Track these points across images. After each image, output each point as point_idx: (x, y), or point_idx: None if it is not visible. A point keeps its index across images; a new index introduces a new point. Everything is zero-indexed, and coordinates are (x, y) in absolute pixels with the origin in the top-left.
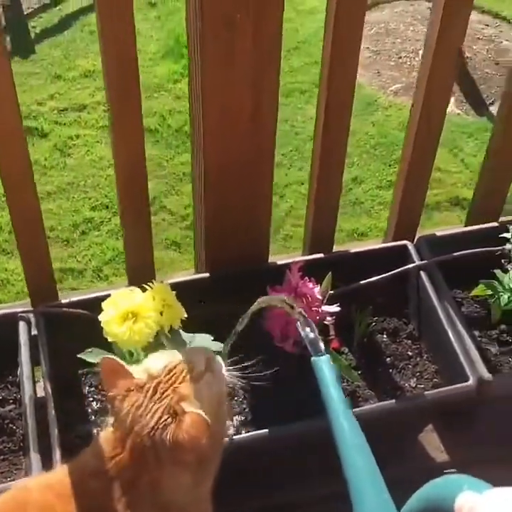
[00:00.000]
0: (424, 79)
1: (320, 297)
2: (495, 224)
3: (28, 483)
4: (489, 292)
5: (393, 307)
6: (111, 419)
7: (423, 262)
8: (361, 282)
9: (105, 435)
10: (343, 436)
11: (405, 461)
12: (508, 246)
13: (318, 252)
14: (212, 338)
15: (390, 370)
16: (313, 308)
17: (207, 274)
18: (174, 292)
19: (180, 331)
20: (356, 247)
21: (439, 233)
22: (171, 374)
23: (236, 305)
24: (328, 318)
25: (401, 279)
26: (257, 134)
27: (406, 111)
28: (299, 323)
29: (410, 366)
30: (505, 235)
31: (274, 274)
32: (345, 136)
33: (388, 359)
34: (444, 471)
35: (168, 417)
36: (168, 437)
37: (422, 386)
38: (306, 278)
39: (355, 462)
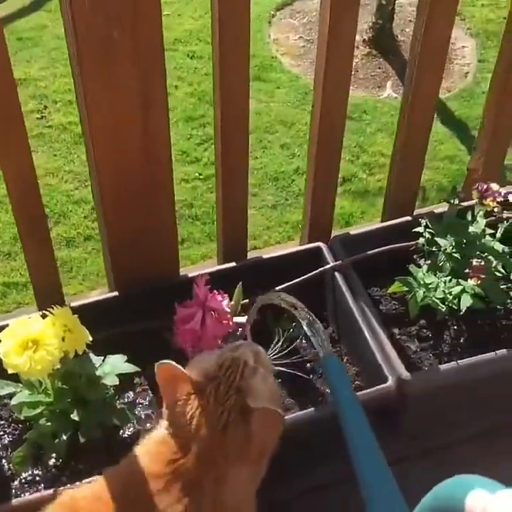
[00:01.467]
0: (320, 71)
1: (228, 310)
2: (408, 218)
3: (74, 493)
4: (405, 288)
5: (311, 311)
6: (165, 424)
7: (337, 262)
8: (276, 288)
9: (160, 439)
10: (353, 439)
11: (335, 463)
12: (421, 240)
13: (232, 260)
14: (126, 359)
15: (311, 376)
16: (223, 322)
17: (116, 293)
18: (77, 315)
19: (90, 354)
20: (270, 253)
21: (353, 232)
22: (228, 372)
23: (148, 322)
24: (242, 329)
25: (317, 282)
26: (151, 148)
27: None
28: (304, 323)
29: None
30: (418, 229)
31: (185, 288)
32: (245, 140)
33: (309, 365)
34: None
35: (236, 416)
36: (239, 436)
37: None
38: (215, 291)
39: (365, 463)
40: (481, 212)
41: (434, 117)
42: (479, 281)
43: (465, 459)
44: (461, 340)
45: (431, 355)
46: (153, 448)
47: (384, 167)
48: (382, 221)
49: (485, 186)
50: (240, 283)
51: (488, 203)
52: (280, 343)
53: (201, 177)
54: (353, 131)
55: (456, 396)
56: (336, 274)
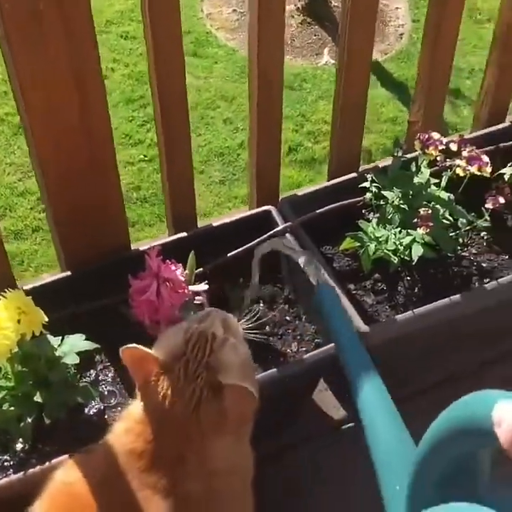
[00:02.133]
0: (254, 43)
1: (182, 278)
2: (354, 175)
3: (64, 478)
4: (357, 244)
5: (267, 274)
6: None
7: (286, 224)
8: (228, 254)
9: (140, 416)
10: (354, 370)
11: (302, 423)
12: (368, 195)
13: (182, 231)
14: (85, 337)
15: (271, 338)
16: (179, 291)
17: (68, 273)
18: (31, 297)
19: (48, 335)
20: (220, 220)
21: (300, 193)
22: (195, 348)
23: (103, 299)
24: (199, 297)
25: None
26: (90, 125)
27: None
28: (300, 260)
29: (290, 331)
30: (364, 184)
31: (138, 262)
32: (185, 112)
33: (267, 327)
34: None
35: (207, 393)
36: (213, 413)
37: (304, 349)
38: (168, 261)
39: (366, 391)
40: (425, 163)
41: (369, 77)
42: (428, 230)
43: (426, 408)
44: (416, 290)
45: (387, 307)
46: (133, 426)
47: (328, 134)
48: (328, 181)
49: (426, 136)
50: (192, 251)
51: (431, 151)
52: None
53: (146, 159)
54: (294, 100)
55: (415, 345)
56: (287, 235)
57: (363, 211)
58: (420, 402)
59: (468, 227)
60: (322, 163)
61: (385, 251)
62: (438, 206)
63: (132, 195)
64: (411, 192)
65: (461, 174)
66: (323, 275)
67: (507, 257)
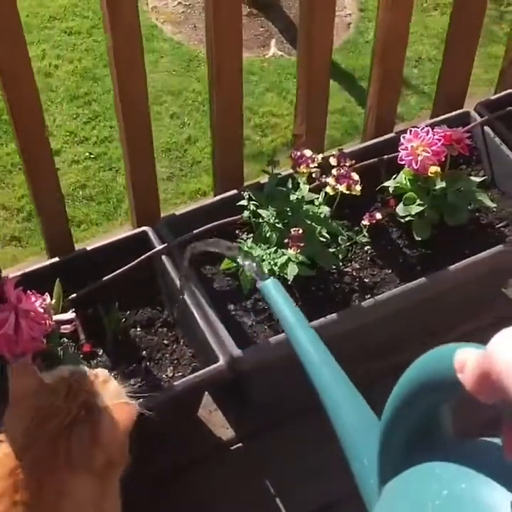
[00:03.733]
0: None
1: (42, 310)
2: (235, 192)
3: None
4: (235, 264)
5: (145, 297)
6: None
7: (163, 246)
8: (104, 279)
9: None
10: (306, 354)
11: (192, 444)
12: (245, 213)
13: (59, 255)
14: None
15: (148, 364)
16: (41, 322)
17: None
18: None
19: None
20: (96, 243)
21: (179, 212)
22: (80, 376)
23: None
24: (66, 326)
25: (148, 267)
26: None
27: None
28: (238, 258)
29: (167, 355)
30: (242, 202)
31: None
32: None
33: (144, 352)
34: None
35: (84, 413)
36: (86, 435)
37: (180, 373)
38: (29, 292)
39: (323, 377)
40: (304, 179)
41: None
42: (299, 250)
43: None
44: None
45: (266, 327)
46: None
47: (276, 127)
48: (214, 195)
49: (298, 154)
50: (58, 280)
51: (302, 170)
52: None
53: (92, 156)
54: None
55: (293, 365)
56: (164, 257)
57: (237, 232)
58: (303, 422)
59: (348, 243)
60: (270, 156)
61: (263, 269)
62: (315, 223)
63: (78, 194)
64: (288, 209)
65: (331, 193)
66: (260, 270)
67: (390, 271)
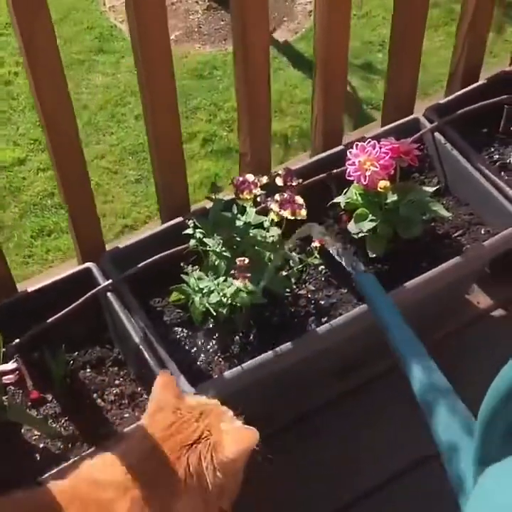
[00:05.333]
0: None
1: None
2: (180, 219)
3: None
4: (183, 296)
5: (94, 335)
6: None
7: (107, 283)
8: (48, 321)
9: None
10: (402, 349)
11: None
12: (192, 242)
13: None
14: None
15: (101, 406)
16: None
17: None
18: None
19: None
20: (38, 283)
21: (123, 244)
22: (213, 406)
23: None
24: (9, 376)
25: (94, 304)
26: None
27: (192, 57)
28: (333, 250)
29: (118, 396)
30: (187, 231)
31: None
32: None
33: (96, 394)
34: None
35: (208, 433)
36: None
37: (136, 414)
38: None
39: (417, 370)
40: (250, 202)
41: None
42: (246, 281)
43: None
44: (251, 338)
45: (221, 360)
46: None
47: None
48: (162, 223)
49: (240, 180)
50: None
51: (245, 196)
52: None
53: None
54: (206, 89)
55: (253, 394)
56: (109, 294)
57: (182, 264)
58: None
59: (300, 265)
60: (238, 152)
61: (207, 305)
62: (264, 249)
63: (47, 203)
64: (236, 236)
65: (276, 219)
66: (357, 262)
67: (345, 290)
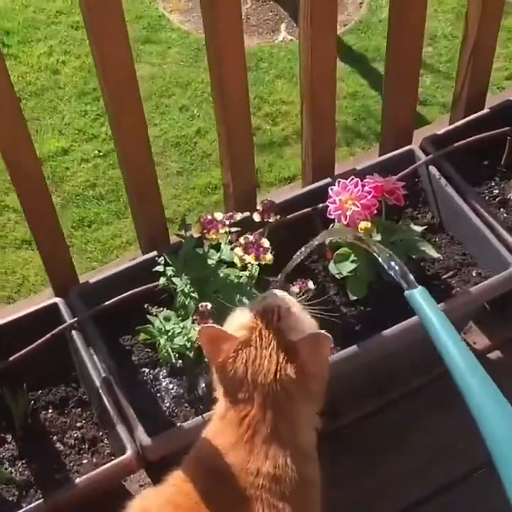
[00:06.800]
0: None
1: None
2: (154, 254)
3: (144, 504)
4: (151, 336)
5: (59, 374)
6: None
7: (72, 320)
8: (10, 359)
9: (220, 413)
10: (455, 365)
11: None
12: (162, 280)
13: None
14: None
15: (60, 450)
16: None
17: None
18: None
19: None
20: (4, 318)
21: (93, 279)
22: (264, 320)
23: None
24: None
25: (60, 341)
26: None
27: None
28: (380, 258)
29: (78, 440)
30: (157, 268)
31: None
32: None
33: (56, 437)
34: None
35: (284, 355)
36: (292, 373)
37: (95, 460)
38: None
39: (471, 384)
40: (225, 238)
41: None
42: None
43: None
44: None
45: (186, 405)
46: (218, 424)
47: (287, 115)
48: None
49: (208, 218)
50: None
51: (212, 235)
52: None
53: (101, 154)
54: (251, 81)
55: None
56: (74, 332)
57: (146, 305)
58: None
59: None
60: (282, 146)
61: (169, 349)
62: (234, 291)
63: (88, 193)
64: (207, 274)
65: (239, 264)
66: (405, 274)
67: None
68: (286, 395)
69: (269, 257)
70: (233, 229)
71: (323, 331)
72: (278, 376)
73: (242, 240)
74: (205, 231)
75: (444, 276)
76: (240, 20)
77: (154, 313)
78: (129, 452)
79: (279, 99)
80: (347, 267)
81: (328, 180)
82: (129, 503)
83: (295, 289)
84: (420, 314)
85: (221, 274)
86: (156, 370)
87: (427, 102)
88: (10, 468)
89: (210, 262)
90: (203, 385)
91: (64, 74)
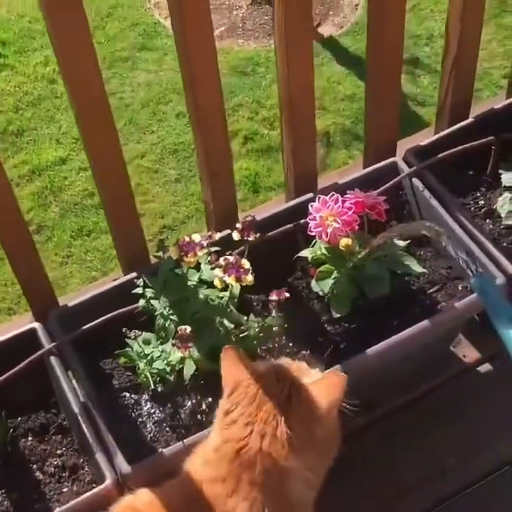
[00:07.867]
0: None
1: None
2: (133, 275)
3: (132, 502)
4: (133, 359)
5: (40, 400)
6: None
7: (51, 345)
8: None
9: (217, 444)
10: None
11: None
12: (141, 301)
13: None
14: None
15: (40, 479)
16: None
17: None
18: None
19: None
20: None
21: (72, 303)
22: (282, 365)
23: None
24: None
25: (39, 367)
26: None
27: (235, 54)
28: (449, 247)
29: (58, 468)
30: (136, 290)
31: None
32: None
33: (36, 465)
34: None
35: (295, 392)
36: (304, 409)
37: (75, 488)
38: None
39: None
40: (205, 258)
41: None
42: (187, 352)
43: None
44: (204, 406)
45: (168, 430)
46: (211, 455)
47: None
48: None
49: (186, 241)
50: None
51: (190, 258)
52: None
53: None
54: (248, 86)
55: None
56: (52, 358)
57: (124, 330)
58: None
59: (258, 329)
60: (280, 151)
61: (148, 373)
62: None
63: (87, 202)
64: (187, 295)
65: (219, 286)
66: (472, 263)
67: (308, 351)
68: (291, 430)
69: (249, 278)
70: (213, 249)
71: (338, 372)
72: (287, 407)
73: (221, 260)
74: (182, 254)
75: (430, 291)
76: (209, 22)
77: (132, 337)
78: (107, 481)
79: (277, 104)
80: (329, 285)
81: (310, 195)
82: None
83: (273, 297)
84: (486, 296)
85: (201, 295)
86: (137, 394)
87: (426, 103)
88: None
89: (189, 283)
90: (186, 408)
91: (60, 83)
